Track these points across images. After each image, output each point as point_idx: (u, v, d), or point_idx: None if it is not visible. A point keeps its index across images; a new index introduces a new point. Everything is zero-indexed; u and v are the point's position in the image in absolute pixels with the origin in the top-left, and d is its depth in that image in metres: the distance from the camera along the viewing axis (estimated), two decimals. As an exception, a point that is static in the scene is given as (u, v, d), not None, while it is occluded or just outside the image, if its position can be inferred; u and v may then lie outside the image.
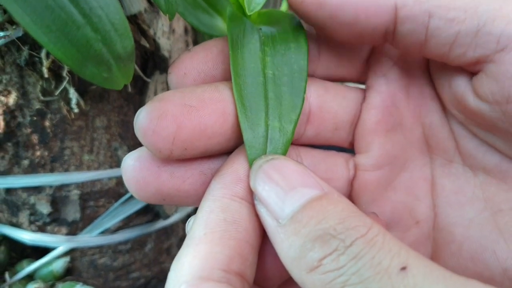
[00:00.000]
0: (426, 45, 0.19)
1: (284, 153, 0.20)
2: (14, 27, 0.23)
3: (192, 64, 0.21)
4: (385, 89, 0.23)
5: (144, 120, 0.18)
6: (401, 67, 0.23)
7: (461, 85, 0.20)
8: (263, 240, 0.20)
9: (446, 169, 0.22)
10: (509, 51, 0.18)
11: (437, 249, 0.22)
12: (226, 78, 0.21)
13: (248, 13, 0.18)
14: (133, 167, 0.19)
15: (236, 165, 0.18)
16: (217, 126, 0.19)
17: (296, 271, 0.16)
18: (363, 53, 0.23)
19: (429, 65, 0.23)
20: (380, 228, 0.15)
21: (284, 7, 0.28)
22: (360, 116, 0.23)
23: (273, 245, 0.17)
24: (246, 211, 0.17)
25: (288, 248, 0.16)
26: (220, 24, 0.26)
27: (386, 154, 0.23)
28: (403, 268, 0.14)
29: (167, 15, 0.18)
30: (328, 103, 0.23)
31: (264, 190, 0.17)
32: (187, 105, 0.18)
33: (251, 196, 0.18)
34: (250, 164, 0.18)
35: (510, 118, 0.18)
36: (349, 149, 0.24)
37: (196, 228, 0.17)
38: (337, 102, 0.23)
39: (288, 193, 0.16)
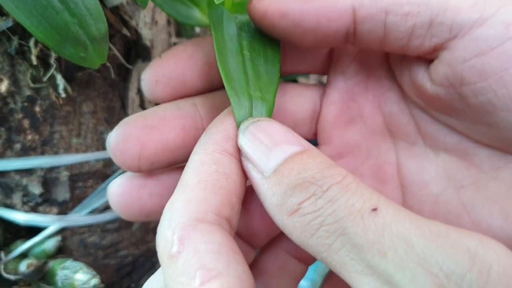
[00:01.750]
0: (386, 40, 0.20)
1: (269, 117, 0.21)
2: (4, 18, 0.25)
3: (163, 72, 0.22)
4: (343, 85, 0.24)
5: (113, 143, 0.21)
6: (359, 62, 0.24)
7: (419, 74, 0.21)
8: (251, 201, 0.22)
9: (409, 152, 0.23)
10: (460, 38, 0.19)
11: None
12: (195, 84, 0.23)
13: (216, 2, 0.20)
14: (116, 193, 0.22)
15: (226, 125, 0.20)
16: (178, 140, 0.22)
17: (278, 216, 0.17)
18: (324, 49, 0.25)
19: (388, 58, 0.24)
20: (354, 177, 0.17)
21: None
22: (321, 111, 0.25)
23: (259, 196, 0.18)
24: (234, 166, 0.19)
25: (271, 196, 0.17)
26: (197, 14, 0.27)
27: (346, 144, 0.24)
28: (374, 209, 0.15)
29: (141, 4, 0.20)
30: (286, 104, 0.24)
31: (250, 147, 0.18)
32: (148, 126, 0.21)
33: (238, 154, 0.19)
34: (238, 125, 0.19)
35: (465, 99, 0.19)
36: (315, 139, 0.26)
37: (189, 177, 0.18)
38: (294, 102, 0.25)
39: (271, 149, 0.18)
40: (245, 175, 0.19)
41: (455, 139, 0.22)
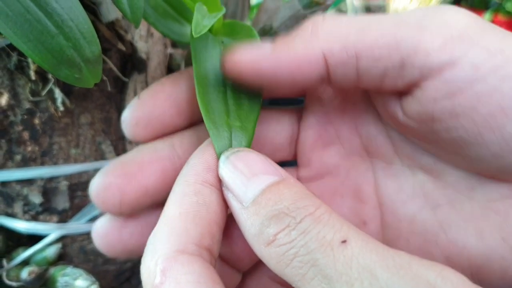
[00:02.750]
0: (359, 82, 0.20)
1: (248, 147, 0.21)
2: (3, 36, 0.26)
3: (142, 113, 0.23)
4: (320, 109, 0.24)
5: (94, 191, 0.22)
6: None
7: (391, 104, 0.21)
8: (234, 226, 0.22)
9: (387, 171, 0.24)
10: (432, 80, 0.19)
11: (387, 245, 0.25)
12: (175, 122, 0.23)
13: (195, 35, 0.20)
14: (99, 234, 0.23)
15: (206, 156, 0.20)
16: (158, 184, 0.22)
17: (256, 246, 0.18)
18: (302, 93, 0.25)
19: None
20: (327, 208, 0.17)
21: (248, 22, 0.30)
22: (299, 135, 0.25)
23: (239, 225, 0.18)
24: (215, 196, 0.19)
25: (250, 226, 0.18)
26: (190, 31, 0.28)
27: (325, 165, 0.25)
28: (344, 241, 0.15)
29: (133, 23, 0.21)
30: (264, 131, 0.25)
31: (230, 177, 0.19)
32: (128, 173, 0.22)
33: (219, 183, 0.20)
34: (218, 156, 0.20)
35: (437, 133, 0.20)
36: (294, 160, 0.26)
37: (171, 208, 0.19)
38: (272, 129, 0.25)
39: (250, 179, 0.18)
40: (226, 204, 0.20)
41: (431, 160, 0.22)
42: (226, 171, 0.19)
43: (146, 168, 0.22)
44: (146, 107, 0.23)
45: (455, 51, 0.18)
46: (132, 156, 0.23)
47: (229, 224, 0.22)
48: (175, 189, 0.20)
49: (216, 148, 0.20)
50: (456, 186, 0.22)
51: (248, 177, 0.18)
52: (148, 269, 0.17)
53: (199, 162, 0.20)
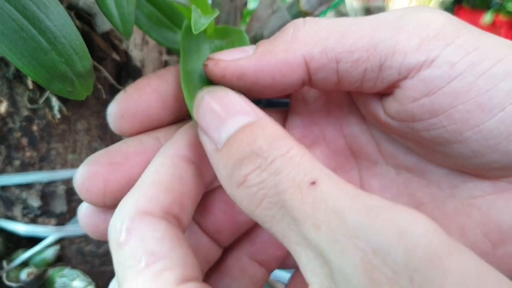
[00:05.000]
0: (340, 84, 0.21)
1: None
2: (2, 46, 0.27)
3: (128, 106, 0.22)
4: (304, 110, 0.25)
5: (78, 180, 0.21)
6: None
7: (373, 105, 0.22)
8: (215, 200, 0.23)
9: (371, 171, 0.24)
10: (410, 79, 0.19)
11: None
12: (160, 116, 0.23)
13: (194, 32, 0.21)
14: (84, 215, 0.23)
15: (189, 134, 0.21)
16: (140, 175, 0.22)
17: (228, 188, 0.17)
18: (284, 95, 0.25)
19: None
20: (300, 149, 0.16)
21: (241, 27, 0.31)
22: None
23: (213, 168, 0.18)
24: (192, 171, 0.20)
25: (222, 168, 0.17)
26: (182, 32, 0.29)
27: None
28: (313, 183, 0.15)
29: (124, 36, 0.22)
30: None
31: (205, 119, 0.18)
32: (112, 163, 0.21)
33: (198, 159, 0.20)
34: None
35: (418, 132, 0.20)
36: None
37: (147, 176, 0.20)
38: None
39: (224, 120, 0.18)
40: (202, 180, 0.20)
41: (414, 159, 0.23)
42: (200, 111, 0.19)
43: (131, 158, 0.22)
44: (132, 100, 0.23)
45: (431, 50, 0.19)
46: (117, 147, 0.23)
47: (210, 198, 0.22)
48: (154, 160, 0.20)
49: (190, 107, 0.20)
50: (439, 185, 0.22)
51: (222, 118, 0.18)
52: (115, 228, 0.18)
53: (180, 138, 0.21)
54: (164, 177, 0.19)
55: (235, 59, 0.21)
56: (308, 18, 0.21)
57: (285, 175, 0.16)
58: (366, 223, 0.14)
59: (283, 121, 0.26)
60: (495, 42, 0.19)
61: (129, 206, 0.18)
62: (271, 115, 0.26)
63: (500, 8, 1.50)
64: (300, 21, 0.21)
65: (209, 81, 0.23)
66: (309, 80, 0.21)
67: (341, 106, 0.25)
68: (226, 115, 0.18)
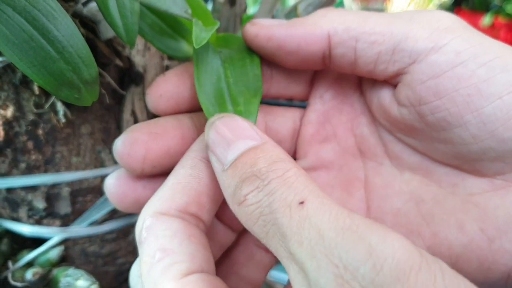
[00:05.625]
0: (356, 64, 0.23)
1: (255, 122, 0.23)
2: (9, 53, 0.28)
3: (167, 87, 0.25)
4: (320, 108, 0.27)
5: (120, 146, 0.23)
6: (335, 89, 0.27)
7: (386, 97, 0.24)
8: None
9: (377, 170, 0.25)
10: (418, 63, 0.21)
11: None
12: (195, 100, 0.25)
13: (196, 47, 0.22)
14: (113, 184, 0.24)
15: None
16: (178, 147, 0.24)
17: (232, 205, 0.19)
18: (307, 77, 0.27)
19: (361, 86, 0.26)
20: (297, 171, 0.18)
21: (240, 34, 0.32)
22: (300, 130, 0.27)
23: (220, 186, 0.20)
24: (210, 171, 0.21)
25: (227, 187, 0.19)
26: (185, 47, 0.29)
27: (320, 159, 0.26)
28: (301, 203, 0.16)
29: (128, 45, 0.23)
30: (270, 123, 0.27)
31: (214, 142, 0.20)
32: (153, 132, 0.23)
33: None
34: None
35: (424, 117, 0.22)
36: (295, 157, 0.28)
37: (169, 178, 0.21)
38: (277, 122, 0.27)
39: (231, 144, 0.19)
40: None
41: (417, 159, 0.24)
42: (211, 135, 0.20)
43: (169, 131, 0.24)
44: (170, 82, 0.25)
45: (440, 39, 0.21)
46: (156, 121, 0.24)
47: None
48: (179, 162, 0.22)
49: None
50: (440, 183, 0.23)
51: (229, 142, 0.20)
52: (139, 228, 0.20)
53: (201, 141, 0.22)
54: (182, 178, 0.21)
55: (269, 24, 0.24)
56: (338, 8, 0.24)
57: (279, 195, 0.17)
58: (340, 240, 0.15)
59: (301, 117, 0.27)
60: (496, 42, 0.21)
61: (149, 207, 0.20)
62: (290, 111, 0.28)
63: (499, 10, 1.51)
64: (331, 7, 0.24)
65: (221, 90, 0.25)
66: (329, 55, 0.23)
67: (354, 107, 0.27)
68: (233, 138, 0.19)
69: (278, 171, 0.18)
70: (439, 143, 0.22)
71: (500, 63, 0.20)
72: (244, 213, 0.18)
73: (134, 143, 0.23)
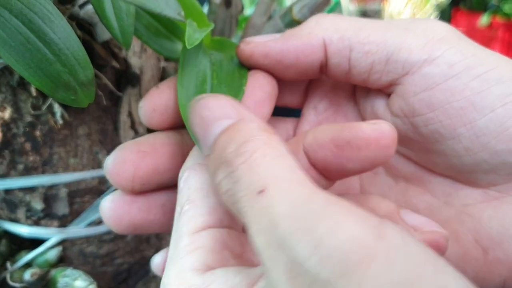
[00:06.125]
0: (350, 73, 0.23)
1: None
2: (6, 55, 0.28)
3: (160, 101, 0.24)
4: (314, 118, 0.27)
5: (110, 165, 0.23)
6: (329, 99, 0.27)
7: (380, 107, 0.24)
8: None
9: (372, 180, 0.25)
10: (412, 74, 0.21)
11: None
12: None
13: (188, 47, 0.22)
14: (109, 208, 0.24)
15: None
16: (166, 165, 0.24)
17: (214, 192, 0.19)
18: (301, 86, 0.27)
19: (355, 95, 0.26)
20: (264, 151, 0.16)
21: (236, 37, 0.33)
22: None
23: None
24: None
25: (209, 173, 0.19)
26: (180, 48, 0.29)
27: None
28: (261, 191, 0.15)
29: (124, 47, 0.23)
30: None
31: (196, 127, 0.19)
32: (141, 151, 0.23)
33: None
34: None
35: (417, 129, 0.22)
36: None
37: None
38: None
39: (209, 126, 0.18)
40: None
41: (412, 169, 0.24)
42: (192, 120, 0.19)
43: (158, 149, 0.24)
44: (164, 95, 0.24)
45: (434, 50, 0.21)
46: (145, 138, 0.24)
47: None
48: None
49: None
50: (434, 193, 0.23)
51: (208, 124, 0.18)
52: (180, 180, 0.21)
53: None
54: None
55: (264, 41, 0.23)
56: (331, 14, 0.24)
57: (243, 182, 0.16)
58: (291, 232, 0.13)
59: (294, 128, 0.27)
60: (491, 53, 0.21)
61: (190, 160, 0.21)
62: (283, 121, 0.28)
63: (497, 10, 1.51)
64: (323, 14, 0.24)
65: (204, 91, 0.25)
66: (325, 65, 0.23)
67: (348, 117, 0.26)
68: (211, 121, 0.18)
69: (245, 154, 0.16)
70: (433, 154, 0.22)
71: (494, 75, 0.20)
72: (223, 202, 0.18)
73: (123, 162, 0.23)
